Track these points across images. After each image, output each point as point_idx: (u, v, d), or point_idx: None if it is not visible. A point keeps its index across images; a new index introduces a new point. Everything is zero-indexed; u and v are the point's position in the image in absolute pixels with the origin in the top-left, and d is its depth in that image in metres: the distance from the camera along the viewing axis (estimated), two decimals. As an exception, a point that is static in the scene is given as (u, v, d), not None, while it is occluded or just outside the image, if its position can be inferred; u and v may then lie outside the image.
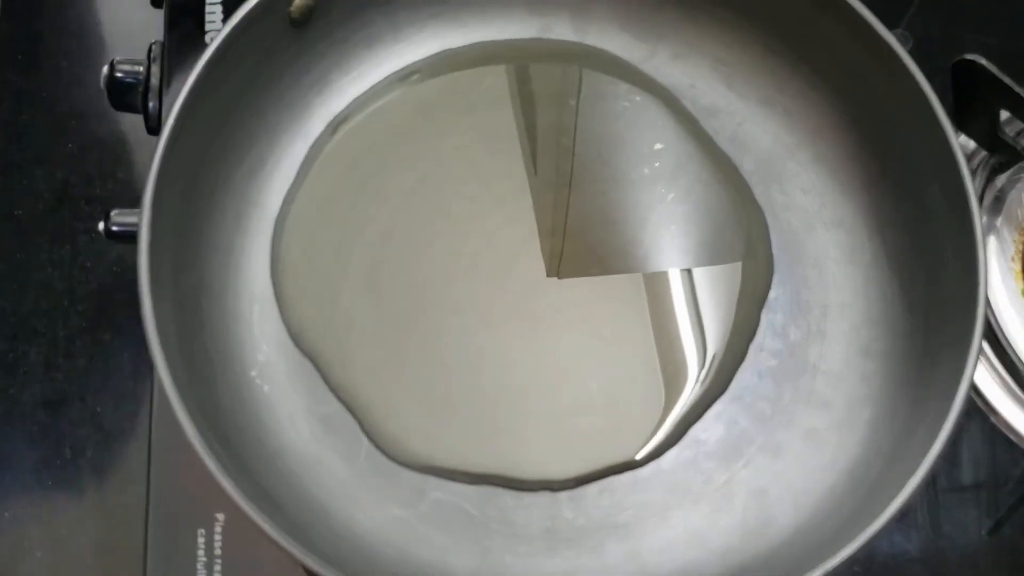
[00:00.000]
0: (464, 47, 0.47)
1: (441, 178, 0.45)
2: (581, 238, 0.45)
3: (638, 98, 0.47)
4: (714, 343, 0.43)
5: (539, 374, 0.43)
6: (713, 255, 0.44)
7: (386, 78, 0.46)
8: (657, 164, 0.46)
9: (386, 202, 0.45)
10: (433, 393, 0.42)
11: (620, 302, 0.44)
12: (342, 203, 0.45)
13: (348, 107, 0.46)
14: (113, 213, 0.42)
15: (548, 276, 0.44)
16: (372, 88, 0.46)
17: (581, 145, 0.46)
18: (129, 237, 0.41)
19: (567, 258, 0.44)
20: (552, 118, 0.47)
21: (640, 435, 0.42)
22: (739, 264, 0.44)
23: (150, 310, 0.37)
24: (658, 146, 0.46)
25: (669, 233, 0.45)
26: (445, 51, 0.47)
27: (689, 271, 0.44)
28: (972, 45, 0.46)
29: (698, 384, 0.42)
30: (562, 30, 0.48)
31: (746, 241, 0.45)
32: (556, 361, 0.43)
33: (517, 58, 0.47)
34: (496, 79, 0.47)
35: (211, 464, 0.34)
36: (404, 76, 0.47)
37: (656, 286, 0.44)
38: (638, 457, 0.41)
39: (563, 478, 0.41)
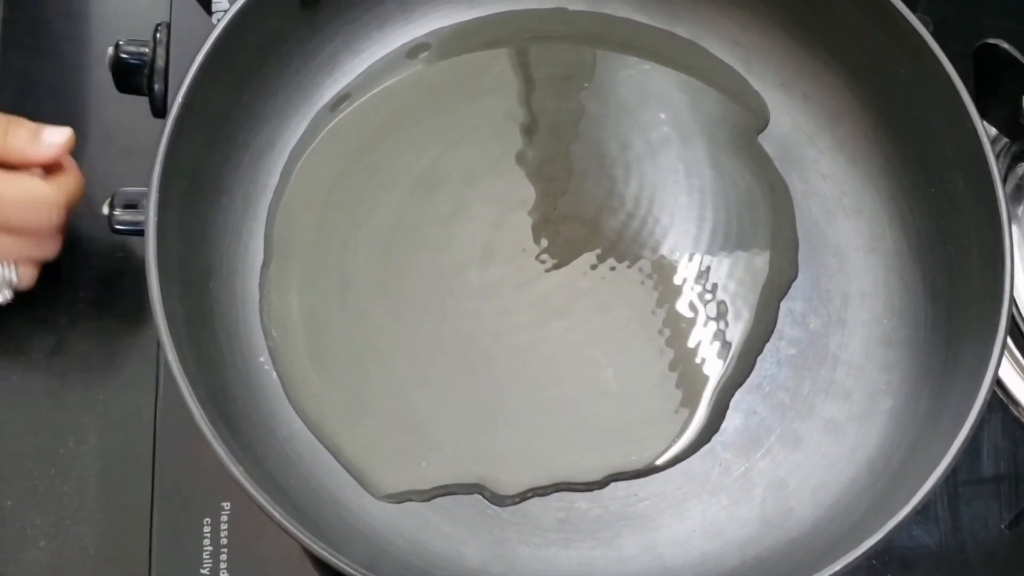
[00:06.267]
0: (475, 19, 0.46)
1: (450, 164, 0.44)
2: (593, 224, 0.44)
3: (648, 67, 0.46)
4: (733, 333, 0.42)
5: (554, 364, 0.42)
6: (735, 243, 0.44)
7: (395, 50, 0.46)
8: (674, 143, 0.45)
9: (393, 188, 0.44)
10: (442, 387, 0.41)
11: (634, 288, 0.43)
12: (347, 188, 0.44)
13: (352, 82, 0.45)
14: (118, 211, 0.41)
15: (559, 264, 0.43)
16: (379, 61, 0.45)
17: (595, 128, 0.45)
18: (134, 227, 0.40)
19: (578, 245, 0.43)
20: (562, 102, 0.46)
21: (662, 439, 0.41)
22: (766, 253, 0.44)
23: (158, 294, 0.36)
24: (663, 115, 0.45)
25: (687, 218, 0.44)
26: (456, 24, 0.46)
27: (708, 259, 0.43)
28: (991, 30, 0.45)
29: (722, 375, 0.42)
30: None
31: (771, 230, 0.44)
32: (570, 351, 0.42)
33: (529, 39, 0.46)
34: (506, 62, 0.46)
35: (220, 450, 0.34)
36: (413, 50, 0.46)
37: (669, 275, 0.43)
38: (659, 463, 0.41)
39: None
